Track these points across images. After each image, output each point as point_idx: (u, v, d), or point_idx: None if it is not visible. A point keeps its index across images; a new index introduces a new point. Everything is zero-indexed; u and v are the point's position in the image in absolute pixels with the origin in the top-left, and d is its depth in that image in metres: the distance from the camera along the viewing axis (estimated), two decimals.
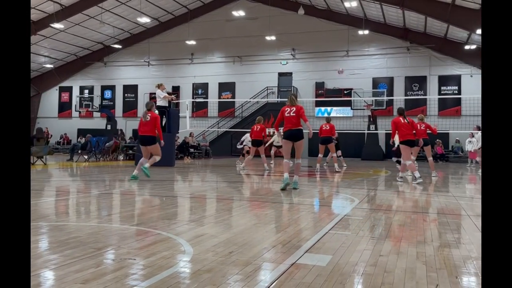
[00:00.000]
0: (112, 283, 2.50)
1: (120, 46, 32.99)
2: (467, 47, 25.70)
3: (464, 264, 3.08)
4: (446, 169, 17.17)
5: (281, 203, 6.33)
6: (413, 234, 4.10)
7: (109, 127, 26.70)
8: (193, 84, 32.41)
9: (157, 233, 3.93)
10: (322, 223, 4.63)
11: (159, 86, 14.76)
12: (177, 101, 24.04)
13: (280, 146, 17.41)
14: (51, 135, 33.70)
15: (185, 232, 3.99)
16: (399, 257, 3.20)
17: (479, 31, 21.13)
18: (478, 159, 16.19)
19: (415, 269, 2.91)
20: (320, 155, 13.67)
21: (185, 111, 20.71)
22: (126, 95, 34.44)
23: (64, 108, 35.96)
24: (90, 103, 29.79)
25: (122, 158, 20.37)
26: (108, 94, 34.88)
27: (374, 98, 26.22)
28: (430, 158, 12.60)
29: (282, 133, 8.31)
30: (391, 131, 10.63)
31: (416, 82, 28.04)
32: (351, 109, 27.87)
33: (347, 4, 25.66)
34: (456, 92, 27.04)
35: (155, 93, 15.59)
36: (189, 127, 20.84)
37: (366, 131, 25.31)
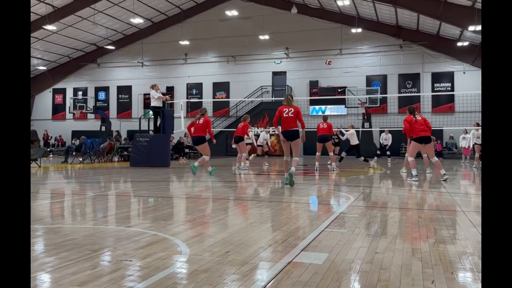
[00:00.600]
0: (108, 284, 2.49)
1: (113, 47, 32.88)
2: (459, 44, 25.83)
3: (459, 260, 3.09)
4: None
5: (277, 202, 6.34)
6: (409, 231, 4.12)
7: (103, 128, 26.57)
8: (187, 84, 32.38)
9: (153, 234, 3.92)
10: (318, 221, 4.64)
11: (153, 86, 14.87)
12: (171, 101, 23.99)
13: (261, 146, 17.57)
14: (51, 137, 33.57)
15: (181, 233, 3.98)
16: (395, 254, 3.22)
17: (471, 28, 21.25)
18: (477, 154, 16.28)
19: (411, 266, 2.92)
20: (318, 154, 13.67)
21: (180, 111, 20.66)
22: (120, 96, 34.34)
23: (58, 110, 35.83)
24: (84, 104, 29.65)
25: (117, 159, 20.34)
26: (102, 95, 34.75)
27: (368, 96, 26.30)
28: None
29: (280, 132, 8.70)
30: (386, 128, 10.64)
31: (410, 80, 28.15)
32: (345, 107, 27.94)
33: (339, 3, 25.72)
34: (449, 89, 27.19)
35: (149, 94, 15.60)
36: (183, 127, 20.78)
37: (360, 129, 25.37)
